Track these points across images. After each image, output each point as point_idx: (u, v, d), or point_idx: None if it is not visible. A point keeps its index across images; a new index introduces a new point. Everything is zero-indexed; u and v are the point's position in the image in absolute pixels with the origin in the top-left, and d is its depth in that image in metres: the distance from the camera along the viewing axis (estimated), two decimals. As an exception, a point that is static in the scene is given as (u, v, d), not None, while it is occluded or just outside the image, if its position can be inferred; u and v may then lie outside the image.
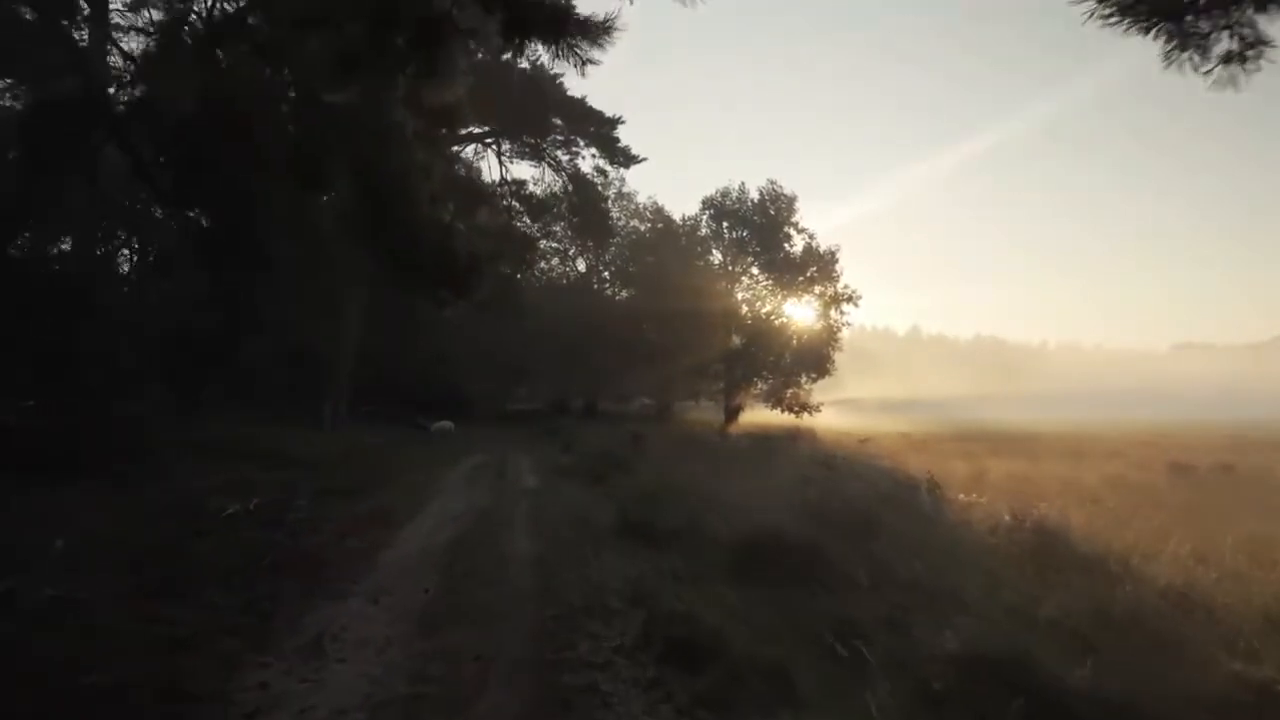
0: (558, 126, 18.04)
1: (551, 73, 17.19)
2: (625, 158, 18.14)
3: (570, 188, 18.94)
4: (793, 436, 21.85)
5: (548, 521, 7.91)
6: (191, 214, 8.74)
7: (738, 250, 35.31)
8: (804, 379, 34.49)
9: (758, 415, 35.43)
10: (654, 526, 7.17)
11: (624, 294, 38.34)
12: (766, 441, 19.08)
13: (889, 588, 5.27)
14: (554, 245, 37.92)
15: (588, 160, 18.46)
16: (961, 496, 9.63)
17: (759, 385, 35.44)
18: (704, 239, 35.97)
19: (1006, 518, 7.02)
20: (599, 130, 17.69)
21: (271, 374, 24.50)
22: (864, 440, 21.58)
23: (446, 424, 18.74)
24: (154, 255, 27.00)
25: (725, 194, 34.99)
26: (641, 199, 36.84)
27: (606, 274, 39.12)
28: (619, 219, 35.94)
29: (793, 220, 34.32)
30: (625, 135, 17.78)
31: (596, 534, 7.34)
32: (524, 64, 17.34)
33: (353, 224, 7.91)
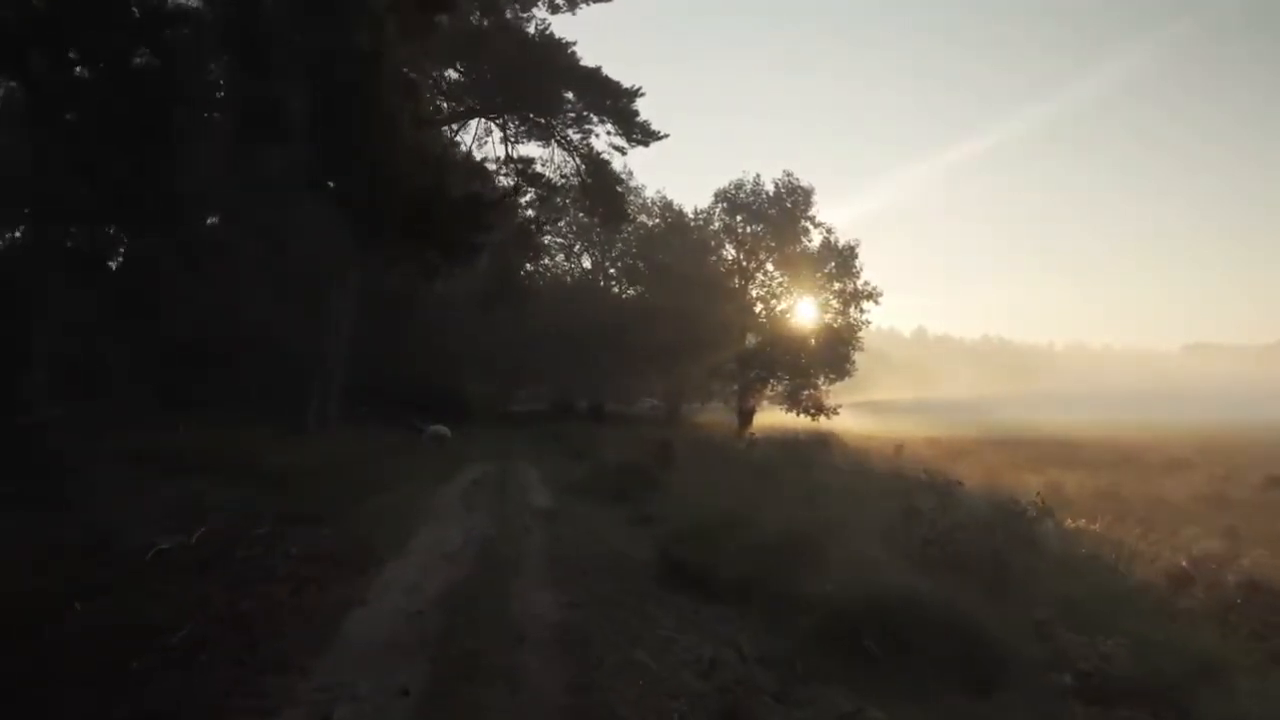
0: (569, 101, 16.31)
1: (562, 41, 15.54)
2: (644, 133, 16.35)
3: (582, 168, 17.18)
4: (822, 443, 20.10)
5: (569, 562, 6.18)
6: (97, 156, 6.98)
7: (752, 245, 33.61)
8: (822, 380, 32.78)
9: (771, 417, 33.78)
10: (714, 574, 5.46)
11: (631, 291, 36.72)
12: (797, 449, 17.34)
13: (1096, 682, 3.53)
14: (559, 240, 36.35)
15: (602, 138, 16.78)
16: (1069, 522, 7.92)
17: (774, 386, 33.71)
18: (716, 233, 34.26)
19: (1183, 564, 5.28)
20: (615, 103, 15.90)
21: (254, 372, 22.85)
22: (898, 447, 19.83)
23: (441, 429, 16.95)
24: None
25: (739, 186, 33.26)
26: (649, 193, 35.15)
27: (613, 270, 37.47)
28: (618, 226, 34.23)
29: (809, 214, 32.60)
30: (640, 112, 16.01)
31: (636, 582, 5.62)
32: (530, 29, 15.71)
33: (314, 157, 6.10)
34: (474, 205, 6.61)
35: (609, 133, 16.61)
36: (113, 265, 24.43)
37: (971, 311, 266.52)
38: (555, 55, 15.27)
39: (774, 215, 32.58)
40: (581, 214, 34.64)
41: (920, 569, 4.97)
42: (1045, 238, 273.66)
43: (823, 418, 32.23)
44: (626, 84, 15.51)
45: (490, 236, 8.08)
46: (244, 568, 5.55)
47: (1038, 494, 7.18)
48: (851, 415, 35.64)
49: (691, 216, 34.42)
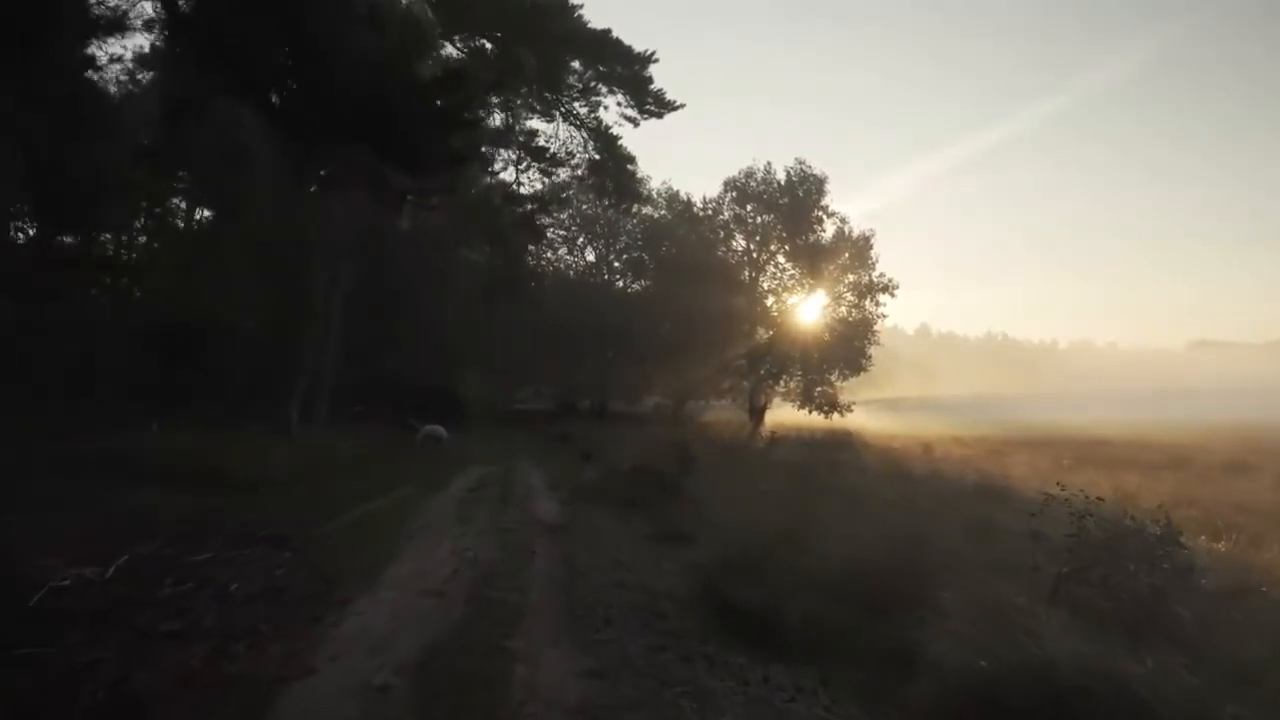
0: (575, 71, 14.91)
1: (568, 2, 14.13)
2: (659, 103, 14.90)
3: (591, 143, 15.80)
4: (846, 443, 18.78)
5: (586, 599, 4.87)
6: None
7: (763, 236, 32.28)
8: (835, 376, 31.47)
9: (782, 415, 32.52)
10: (777, 619, 4.15)
11: (636, 286, 35.46)
12: (821, 450, 16.01)
13: None
14: (561, 233, 35.06)
15: (612, 110, 15.35)
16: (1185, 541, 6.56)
17: (786, 383, 32.40)
18: (725, 224, 32.92)
19: None
20: (628, 70, 14.50)
21: (243, 368, 21.58)
22: (928, 448, 18.52)
23: (438, 429, 15.64)
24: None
25: (749, 174, 31.96)
26: (655, 184, 33.79)
27: (618, 264, 36.19)
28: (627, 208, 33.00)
29: (823, 203, 31.25)
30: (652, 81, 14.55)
31: (676, 631, 4.30)
32: (533, -11, 14.32)
33: (243, 47, 4.62)
34: (451, 88, 5.06)
35: (619, 104, 15.25)
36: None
37: (973, 309, 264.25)
38: (560, 18, 13.89)
39: (785, 205, 31.25)
40: (585, 205, 33.50)
41: (1069, 618, 3.64)
42: (1047, 235, 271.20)
43: (836, 415, 31.03)
44: (638, 49, 14.16)
45: (473, 141, 6.48)
46: (161, 614, 4.23)
47: (1160, 506, 5.83)
48: (863, 413, 34.37)
49: (700, 206, 33.12)
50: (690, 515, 7.44)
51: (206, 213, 24.45)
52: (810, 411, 31.32)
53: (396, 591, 4.89)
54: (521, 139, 15.37)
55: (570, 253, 36.45)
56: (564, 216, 33.97)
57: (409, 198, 6.93)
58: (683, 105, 15.25)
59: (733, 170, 41.20)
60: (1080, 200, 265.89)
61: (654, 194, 33.70)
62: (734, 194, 32.25)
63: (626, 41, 14.27)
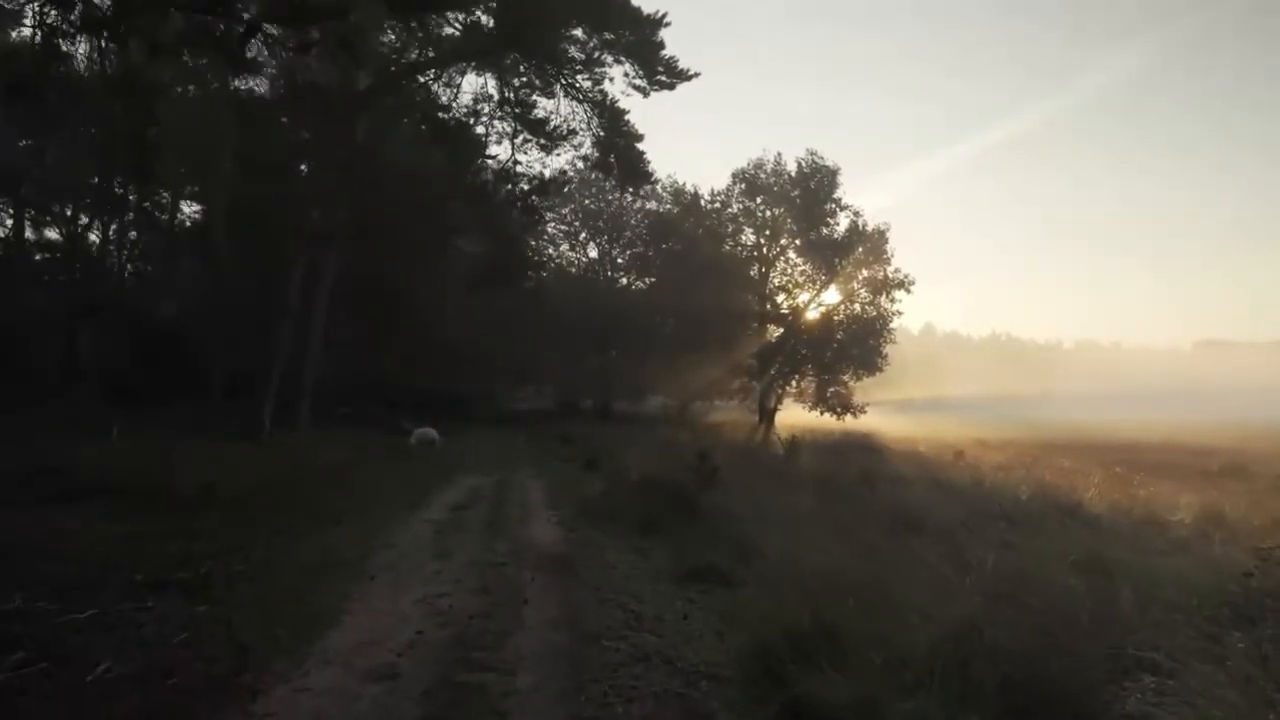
0: (578, 40, 13.54)
1: (570, -39, 12.77)
2: (670, 72, 13.43)
3: (594, 119, 14.41)
4: (869, 448, 17.43)
5: (597, 680, 3.51)
6: None
7: (773, 230, 30.98)
8: (849, 376, 30.15)
9: (792, 416, 31.35)
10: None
11: (641, 283, 34.20)
12: (845, 456, 14.66)
13: None
14: (562, 228, 33.83)
15: (618, 81, 13.98)
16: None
17: (797, 383, 31.11)
18: (734, 218, 31.61)
19: None
20: (635, 36, 13.08)
21: (224, 366, 20.30)
22: (959, 453, 17.16)
23: (429, 432, 14.36)
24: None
25: (759, 166, 30.76)
26: (659, 176, 32.44)
27: (621, 260, 34.92)
28: (632, 201, 31.74)
29: (835, 196, 29.95)
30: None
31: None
32: (531, -53, 12.94)
33: None
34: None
35: (626, 75, 13.88)
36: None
37: (976, 308, 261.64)
38: (562, -21, 12.51)
39: (797, 197, 29.97)
40: (587, 199, 32.20)
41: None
42: (1050, 235, 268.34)
43: (849, 417, 29.78)
44: (647, 10, 12.76)
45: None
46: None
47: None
48: (876, 414, 33.11)
49: (707, 199, 31.80)
50: (721, 544, 6.07)
51: (194, 207, 23.23)
52: (822, 413, 30.08)
53: (334, 670, 3.54)
54: (518, 110, 13.96)
55: (572, 248, 35.33)
56: (565, 211, 32.77)
57: (263, 30, 4.93)
58: (697, 74, 13.79)
59: (738, 162, 40.16)
60: (1083, 200, 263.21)
61: (659, 188, 32.41)
62: (743, 186, 31.04)
63: (634, 3, 12.88)
